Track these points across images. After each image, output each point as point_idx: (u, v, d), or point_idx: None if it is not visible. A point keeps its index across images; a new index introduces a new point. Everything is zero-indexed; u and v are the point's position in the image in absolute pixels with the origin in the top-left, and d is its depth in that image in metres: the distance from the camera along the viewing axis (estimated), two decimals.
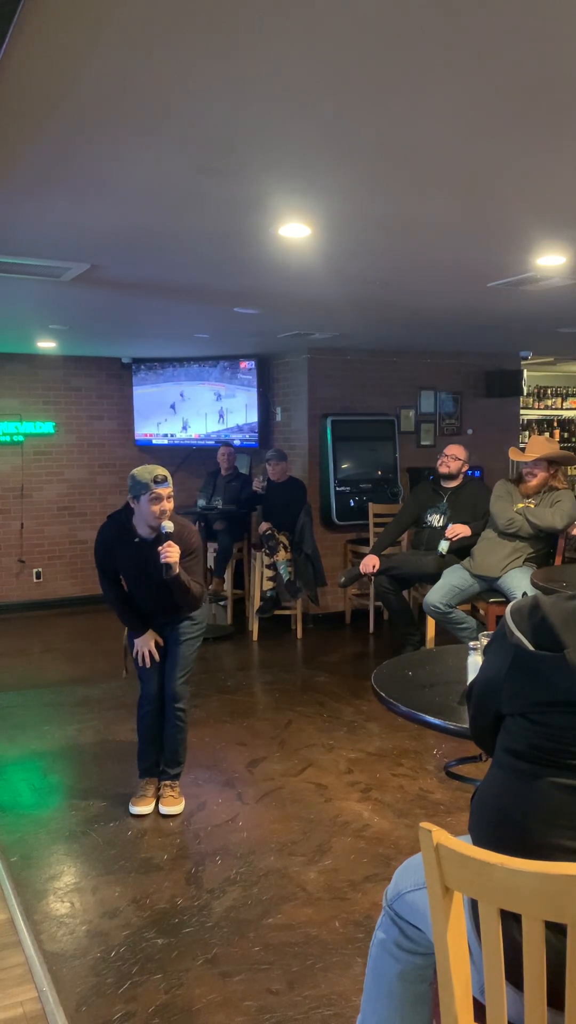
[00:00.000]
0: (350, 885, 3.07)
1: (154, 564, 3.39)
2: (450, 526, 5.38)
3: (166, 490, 3.40)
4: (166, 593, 3.49)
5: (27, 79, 1.93)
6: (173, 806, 3.66)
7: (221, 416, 7.88)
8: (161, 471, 3.41)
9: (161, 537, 3.40)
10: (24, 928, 2.83)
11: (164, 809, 3.65)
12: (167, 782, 3.72)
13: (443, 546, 5.34)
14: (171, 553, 3.36)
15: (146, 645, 3.62)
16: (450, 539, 5.33)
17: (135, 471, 3.43)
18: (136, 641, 3.64)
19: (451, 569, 5.19)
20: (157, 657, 3.63)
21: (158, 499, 3.38)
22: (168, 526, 3.41)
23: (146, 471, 3.41)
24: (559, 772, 1.47)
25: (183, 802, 3.70)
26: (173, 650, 3.66)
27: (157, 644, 3.64)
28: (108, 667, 5.82)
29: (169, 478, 3.43)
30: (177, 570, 3.39)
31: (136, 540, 3.49)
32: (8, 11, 1.59)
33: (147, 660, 3.62)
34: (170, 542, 3.39)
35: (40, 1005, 2.44)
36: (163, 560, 3.36)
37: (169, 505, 3.42)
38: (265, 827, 3.54)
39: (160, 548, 3.37)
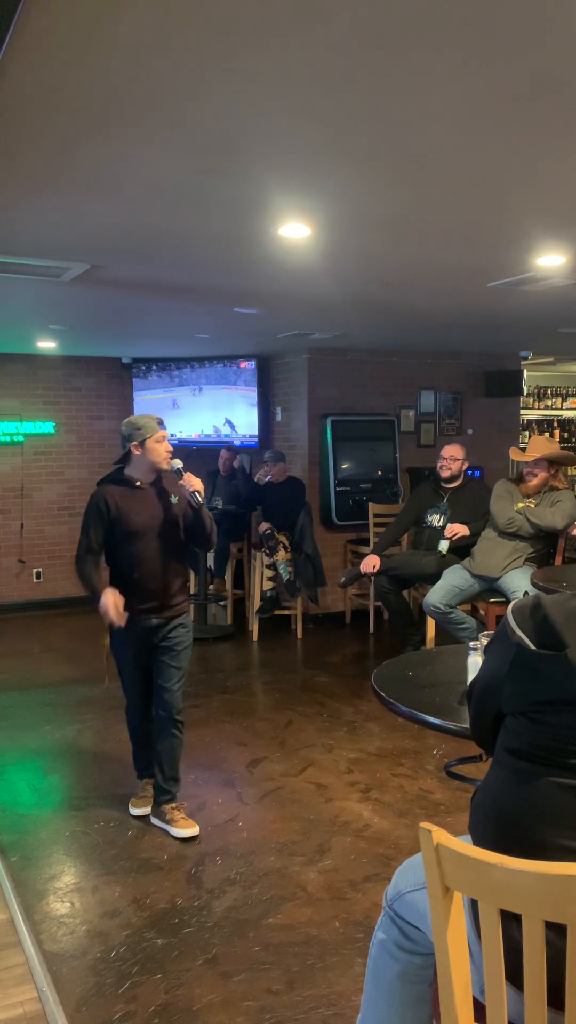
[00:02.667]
0: (350, 885, 3.07)
1: (164, 507, 3.42)
2: (448, 525, 5.39)
3: (166, 432, 3.46)
4: (173, 553, 3.46)
5: (28, 79, 1.93)
6: (189, 828, 3.43)
7: (221, 416, 7.87)
8: (157, 416, 3.48)
9: (176, 474, 3.44)
10: (24, 928, 2.83)
11: (181, 833, 3.42)
12: (173, 804, 3.51)
13: (443, 546, 5.34)
14: (194, 481, 3.41)
15: (110, 598, 3.32)
16: (449, 539, 5.33)
17: (132, 419, 3.44)
18: (102, 603, 3.34)
19: (451, 569, 5.19)
20: (123, 612, 3.34)
21: (163, 439, 3.40)
22: (177, 463, 3.44)
23: (146, 416, 3.44)
24: (559, 771, 1.47)
25: (195, 823, 3.49)
26: (172, 659, 3.50)
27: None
28: (108, 667, 5.82)
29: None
30: (202, 499, 3.44)
31: (138, 484, 3.44)
32: (8, 11, 1.58)
33: (119, 612, 3.31)
34: (188, 473, 3.44)
35: (40, 1005, 2.44)
36: (191, 490, 3.39)
37: (170, 448, 3.46)
38: (265, 827, 3.54)
39: (181, 482, 3.42)
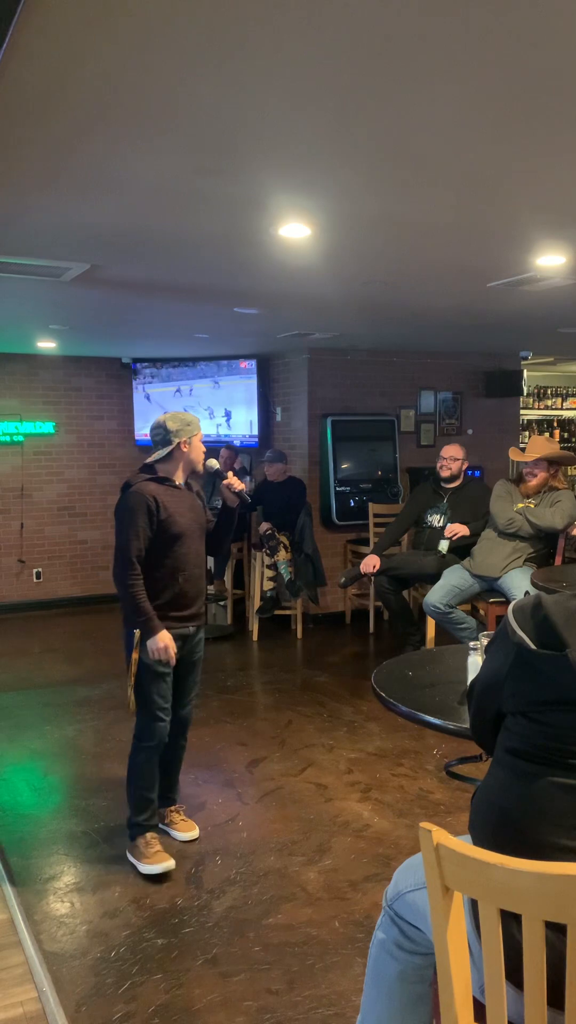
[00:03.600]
0: (350, 885, 3.07)
1: (199, 507, 3.34)
2: (448, 526, 5.39)
3: None
4: (202, 557, 3.35)
5: (28, 79, 1.93)
6: (190, 830, 3.44)
7: (223, 415, 7.88)
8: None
9: (217, 475, 3.44)
10: (24, 928, 2.83)
11: (183, 836, 3.41)
12: (173, 808, 3.49)
13: (443, 545, 5.34)
14: (237, 481, 3.40)
15: (168, 639, 3.12)
16: (449, 539, 5.33)
17: (177, 415, 3.28)
18: (158, 642, 3.09)
19: (451, 569, 5.19)
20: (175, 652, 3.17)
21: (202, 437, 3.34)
22: (214, 463, 3.42)
23: (188, 413, 3.34)
24: (560, 771, 1.47)
25: (195, 824, 3.50)
26: (194, 674, 3.38)
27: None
28: (108, 667, 5.82)
29: None
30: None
31: (177, 486, 3.28)
32: (8, 10, 1.58)
33: (173, 656, 3.14)
34: (229, 472, 3.42)
35: (40, 1005, 2.44)
36: (235, 490, 3.38)
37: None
38: (265, 827, 3.54)
39: (226, 482, 3.39)
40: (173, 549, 3.19)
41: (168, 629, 3.16)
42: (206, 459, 3.38)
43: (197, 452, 3.30)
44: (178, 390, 8.03)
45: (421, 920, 1.72)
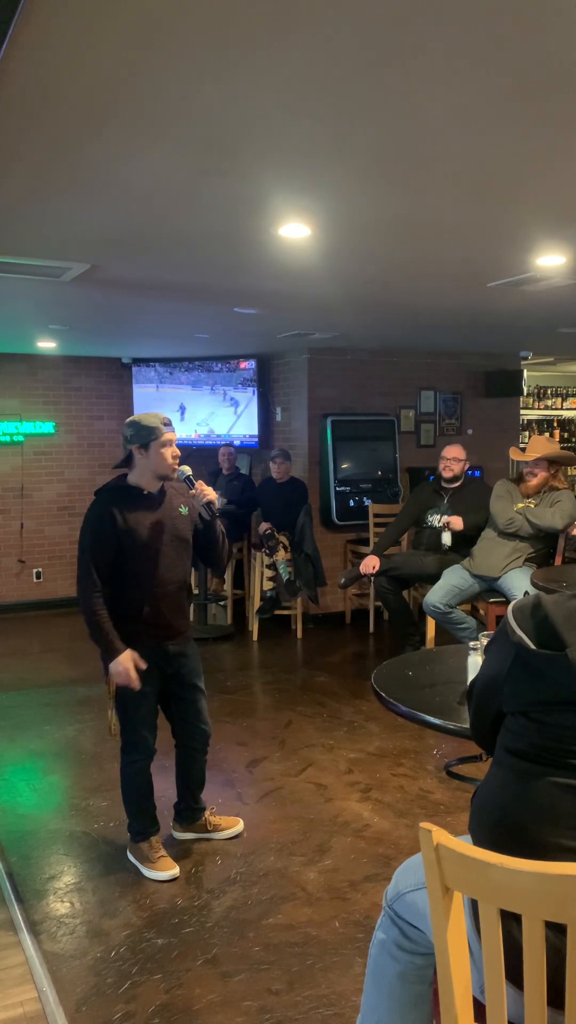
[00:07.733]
0: (350, 885, 3.07)
1: (174, 518, 3.13)
2: (444, 518, 5.39)
3: (174, 435, 3.10)
4: (181, 571, 3.16)
5: (28, 78, 1.93)
6: (236, 822, 3.46)
7: (221, 416, 7.88)
8: (164, 415, 3.12)
9: (187, 483, 3.18)
10: (24, 928, 2.83)
11: (237, 829, 3.43)
12: (208, 812, 3.45)
13: (446, 538, 5.35)
14: (207, 491, 3.15)
15: (129, 663, 2.99)
16: (446, 528, 5.33)
17: (135, 417, 3.08)
18: (118, 665, 2.98)
19: (451, 569, 5.19)
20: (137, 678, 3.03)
21: (170, 443, 3.05)
22: (186, 470, 3.15)
23: (152, 415, 3.07)
24: (559, 771, 1.47)
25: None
26: (197, 693, 3.27)
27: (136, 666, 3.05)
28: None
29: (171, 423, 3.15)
30: (216, 511, 3.18)
31: (146, 494, 3.09)
32: (8, 11, 1.58)
33: (135, 681, 3.00)
34: (200, 481, 3.18)
35: (40, 1005, 2.44)
36: (205, 500, 3.14)
37: (177, 452, 3.11)
38: (265, 827, 3.54)
39: (193, 492, 3.15)
40: (140, 562, 3.05)
41: (143, 647, 3.05)
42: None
43: (155, 460, 3.04)
44: (177, 390, 8.03)
45: (421, 920, 1.72)
